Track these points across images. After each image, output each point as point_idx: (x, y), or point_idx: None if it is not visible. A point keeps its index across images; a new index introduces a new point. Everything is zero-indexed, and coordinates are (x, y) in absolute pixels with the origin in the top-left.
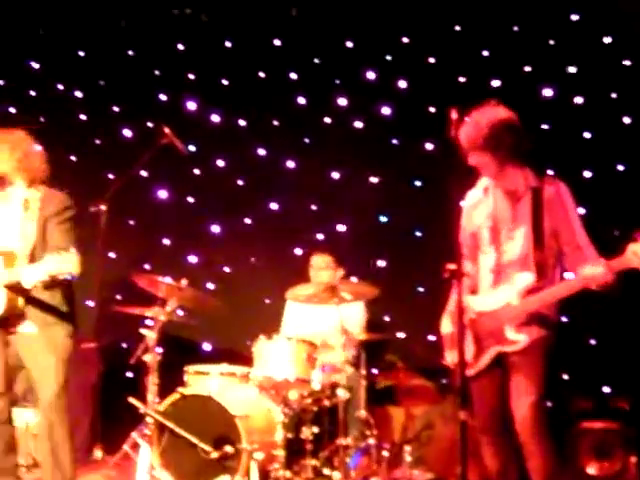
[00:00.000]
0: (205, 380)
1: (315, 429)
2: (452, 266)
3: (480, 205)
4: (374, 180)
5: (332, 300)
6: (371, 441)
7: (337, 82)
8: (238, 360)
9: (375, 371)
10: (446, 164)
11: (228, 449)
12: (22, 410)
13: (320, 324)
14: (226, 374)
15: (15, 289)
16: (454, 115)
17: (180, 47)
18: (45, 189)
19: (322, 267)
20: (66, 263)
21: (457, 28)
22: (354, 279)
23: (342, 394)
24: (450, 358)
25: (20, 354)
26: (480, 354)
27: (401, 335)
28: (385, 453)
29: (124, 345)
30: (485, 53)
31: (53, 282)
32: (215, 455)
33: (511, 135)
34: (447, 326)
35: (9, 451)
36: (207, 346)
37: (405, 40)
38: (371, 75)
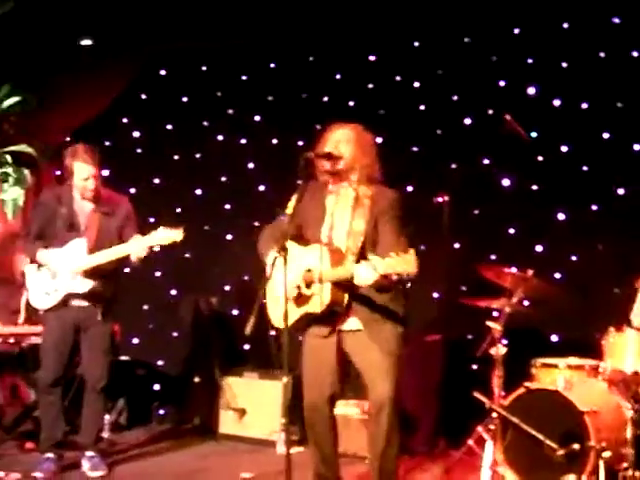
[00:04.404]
0: (552, 373)
1: None
2: None
3: None
4: None
5: None
6: None
7: None
8: (587, 352)
9: None
10: None
11: (575, 447)
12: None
13: None
14: (574, 367)
15: (341, 286)
16: None
17: (516, 31)
18: (376, 187)
19: None
20: (405, 264)
21: None
22: None
23: None
24: None
25: (347, 351)
26: None
27: None
28: None
29: (469, 337)
30: None
31: (388, 283)
32: (561, 453)
33: None
34: None
35: (334, 442)
36: (554, 338)
37: None
38: None
